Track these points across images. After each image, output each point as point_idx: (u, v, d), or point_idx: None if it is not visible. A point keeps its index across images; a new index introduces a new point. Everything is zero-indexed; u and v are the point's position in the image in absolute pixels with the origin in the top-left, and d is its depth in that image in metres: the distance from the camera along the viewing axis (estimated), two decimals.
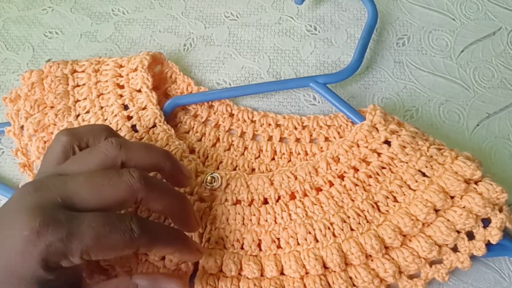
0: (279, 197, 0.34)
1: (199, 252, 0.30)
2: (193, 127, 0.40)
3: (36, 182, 0.26)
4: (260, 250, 0.33)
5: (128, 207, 0.29)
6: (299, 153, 0.38)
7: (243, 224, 0.33)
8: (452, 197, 0.33)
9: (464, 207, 0.32)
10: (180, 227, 0.31)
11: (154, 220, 0.33)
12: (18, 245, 0.23)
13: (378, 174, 0.34)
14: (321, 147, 0.38)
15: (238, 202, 0.34)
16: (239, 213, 0.34)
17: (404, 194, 0.33)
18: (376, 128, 0.35)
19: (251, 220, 0.33)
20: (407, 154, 0.34)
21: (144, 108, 0.38)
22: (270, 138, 0.39)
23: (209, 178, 0.35)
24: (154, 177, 0.28)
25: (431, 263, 0.32)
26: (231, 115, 0.40)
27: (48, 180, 0.26)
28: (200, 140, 0.39)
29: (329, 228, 0.32)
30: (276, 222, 0.33)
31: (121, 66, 0.40)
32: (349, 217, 0.33)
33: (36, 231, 0.23)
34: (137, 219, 0.26)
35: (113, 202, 0.26)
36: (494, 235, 0.32)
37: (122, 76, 0.39)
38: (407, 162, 0.34)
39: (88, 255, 0.24)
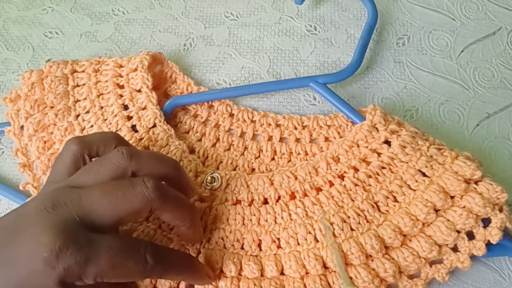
0: (279, 197, 0.34)
1: (209, 278, 0.31)
2: (193, 127, 0.40)
3: (52, 197, 0.26)
4: (260, 250, 0.33)
5: (143, 217, 0.29)
6: (299, 153, 0.38)
7: (243, 224, 0.33)
8: (452, 197, 0.33)
9: (464, 207, 0.32)
10: (184, 238, 0.31)
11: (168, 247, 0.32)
12: (36, 265, 0.23)
13: (378, 174, 0.34)
14: (321, 147, 0.38)
15: (238, 202, 0.34)
16: (239, 213, 0.34)
17: (404, 194, 0.33)
18: (376, 128, 0.35)
19: (251, 220, 0.33)
20: (407, 154, 0.34)
21: (144, 108, 0.38)
22: (270, 138, 0.39)
23: (209, 178, 0.35)
24: (167, 186, 0.28)
25: (431, 263, 0.32)
26: (231, 115, 0.40)
27: (64, 195, 0.26)
28: (200, 140, 0.39)
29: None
30: (276, 222, 0.33)
31: (121, 66, 0.40)
32: (349, 217, 0.33)
33: (55, 254, 0.23)
34: (152, 248, 0.26)
35: (128, 214, 0.26)
36: (494, 235, 0.32)
37: (122, 76, 0.39)
38: (407, 162, 0.34)
39: (101, 278, 0.25)
